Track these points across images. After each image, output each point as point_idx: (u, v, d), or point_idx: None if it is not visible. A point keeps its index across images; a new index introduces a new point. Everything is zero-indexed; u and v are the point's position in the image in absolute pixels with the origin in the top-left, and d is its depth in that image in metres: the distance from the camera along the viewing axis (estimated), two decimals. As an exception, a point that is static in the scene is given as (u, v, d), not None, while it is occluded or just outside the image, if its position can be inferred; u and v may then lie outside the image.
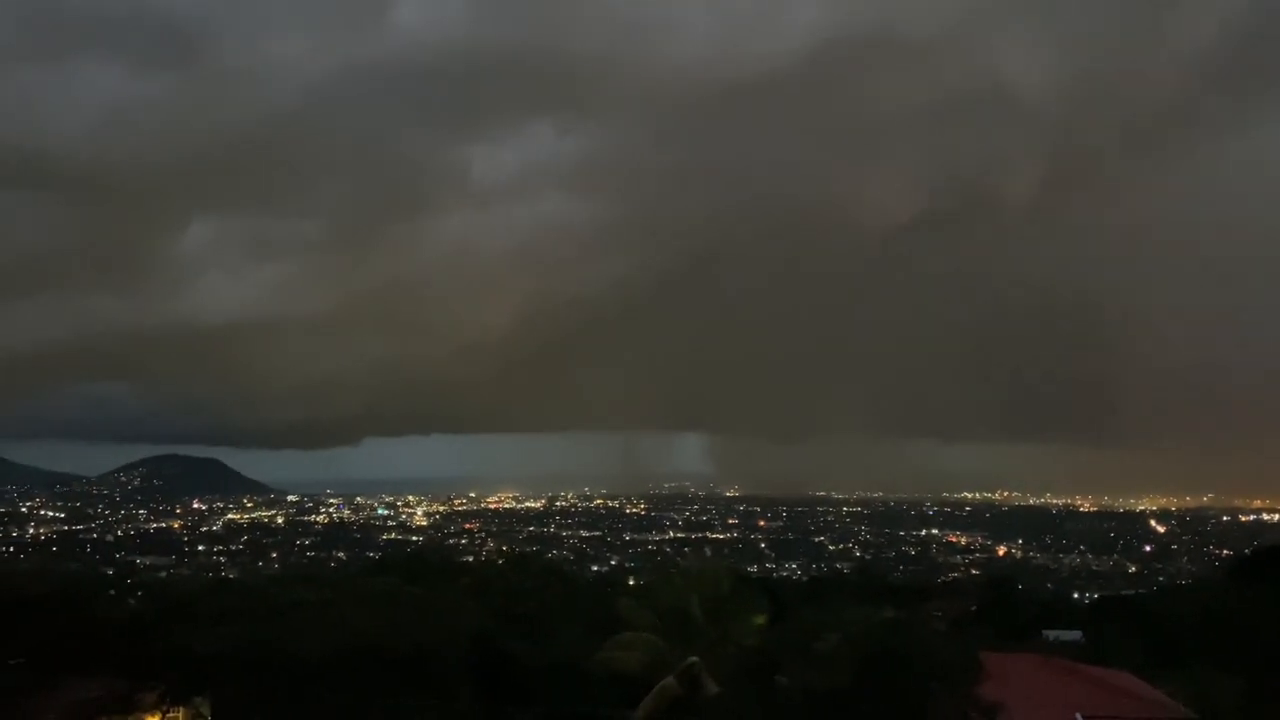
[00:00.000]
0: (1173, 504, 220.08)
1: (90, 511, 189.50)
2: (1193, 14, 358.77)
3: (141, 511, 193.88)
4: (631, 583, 61.30)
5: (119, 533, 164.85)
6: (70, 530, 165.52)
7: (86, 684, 26.89)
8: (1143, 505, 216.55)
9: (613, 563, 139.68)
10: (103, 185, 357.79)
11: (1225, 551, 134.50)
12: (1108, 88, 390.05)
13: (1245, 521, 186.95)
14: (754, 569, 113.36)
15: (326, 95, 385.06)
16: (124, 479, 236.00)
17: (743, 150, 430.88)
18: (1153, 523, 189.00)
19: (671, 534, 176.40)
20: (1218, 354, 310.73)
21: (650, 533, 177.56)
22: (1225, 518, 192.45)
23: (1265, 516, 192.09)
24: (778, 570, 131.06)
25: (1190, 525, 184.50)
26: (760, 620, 26.71)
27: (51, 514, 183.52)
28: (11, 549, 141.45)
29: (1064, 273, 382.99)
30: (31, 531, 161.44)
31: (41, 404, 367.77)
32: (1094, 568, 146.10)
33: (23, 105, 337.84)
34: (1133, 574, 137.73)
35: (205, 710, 29.28)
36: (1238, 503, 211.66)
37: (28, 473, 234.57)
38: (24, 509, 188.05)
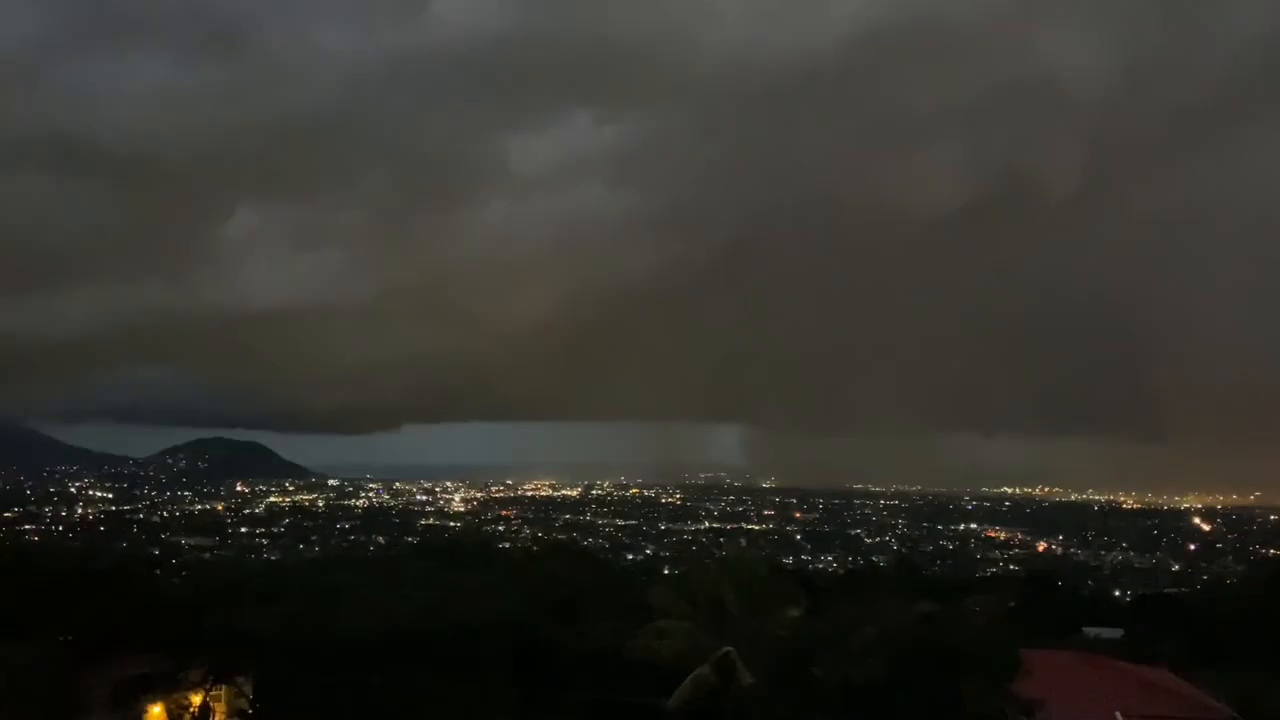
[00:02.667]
0: (1219, 502, 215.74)
1: (137, 493, 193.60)
2: (1242, 2, 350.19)
3: (186, 493, 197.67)
4: (667, 572, 61.31)
5: (165, 514, 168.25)
6: (118, 511, 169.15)
7: (133, 661, 27.51)
8: (1187, 503, 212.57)
9: (648, 552, 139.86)
10: (150, 173, 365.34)
11: (1272, 551, 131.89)
12: (1155, 78, 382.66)
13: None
14: (790, 560, 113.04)
15: (368, 87, 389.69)
16: (170, 461, 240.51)
17: (784, 141, 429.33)
18: (1197, 520, 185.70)
19: (707, 524, 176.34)
20: (1267, 348, 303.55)
21: (686, 523, 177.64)
22: (1273, 516, 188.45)
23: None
24: (814, 562, 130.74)
25: (1236, 524, 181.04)
26: (796, 612, 26.61)
27: (99, 494, 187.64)
28: (60, 528, 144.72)
29: (1109, 264, 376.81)
30: (80, 511, 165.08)
31: (90, 387, 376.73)
32: (1136, 565, 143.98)
33: (74, 94, 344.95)
34: (1176, 572, 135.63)
35: (247, 688, 29.84)
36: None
37: (77, 454, 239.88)
38: (73, 489, 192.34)
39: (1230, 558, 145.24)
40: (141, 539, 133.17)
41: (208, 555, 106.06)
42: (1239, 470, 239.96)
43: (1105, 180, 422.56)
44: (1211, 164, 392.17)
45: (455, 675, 26.74)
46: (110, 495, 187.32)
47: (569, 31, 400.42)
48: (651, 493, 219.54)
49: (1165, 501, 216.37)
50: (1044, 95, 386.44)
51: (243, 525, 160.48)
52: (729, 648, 24.32)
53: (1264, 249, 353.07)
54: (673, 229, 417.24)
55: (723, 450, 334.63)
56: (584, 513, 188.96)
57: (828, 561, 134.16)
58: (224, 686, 30.08)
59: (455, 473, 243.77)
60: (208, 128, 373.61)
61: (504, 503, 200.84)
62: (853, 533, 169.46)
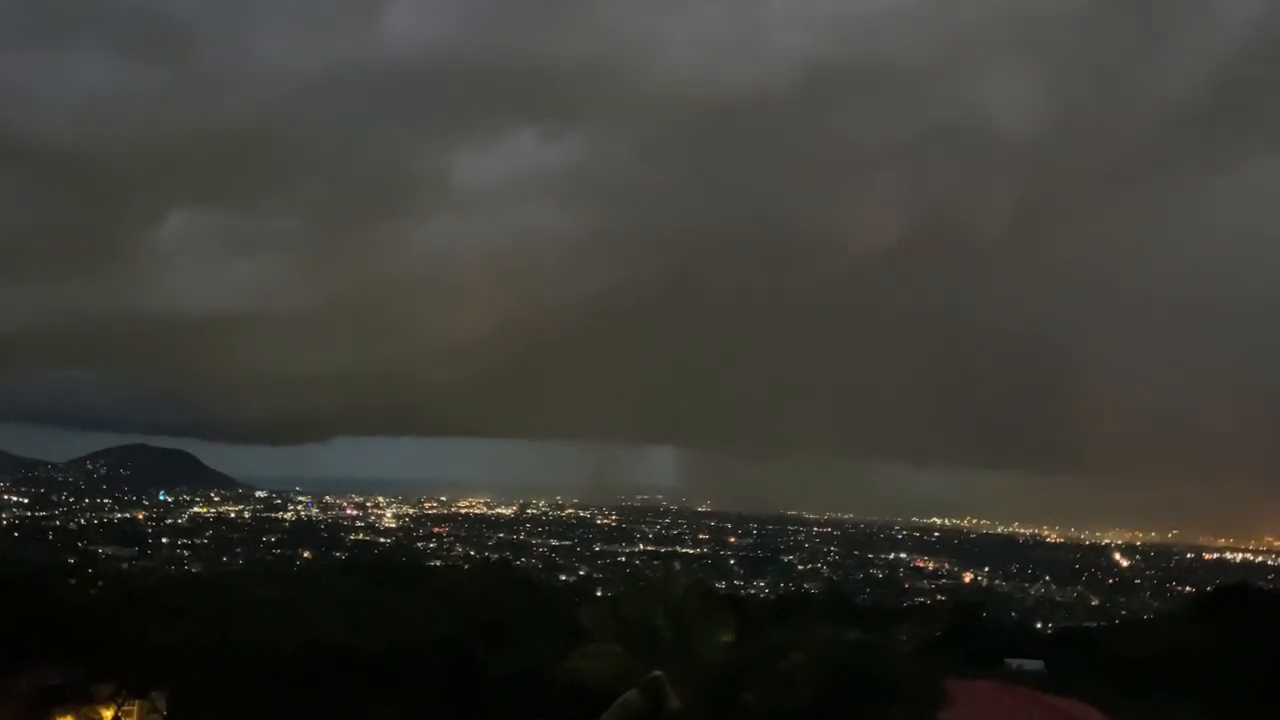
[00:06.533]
0: (1138, 538, 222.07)
1: (55, 499, 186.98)
2: (1175, 56, 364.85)
3: (107, 501, 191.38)
4: (599, 594, 61.07)
5: (83, 521, 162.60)
6: (33, 517, 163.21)
7: (43, 672, 26.54)
8: (1108, 538, 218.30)
9: (581, 573, 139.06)
10: (82, 172, 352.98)
11: (1187, 588, 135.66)
12: (1087, 126, 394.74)
13: (1208, 559, 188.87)
14: (722, 585, 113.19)
15: (312, 95, 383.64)
16: (90, 467, 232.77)
17: (724, 169, 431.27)
18: (1117, 556, 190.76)
19: (641, 547, 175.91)
20: (1186, 393, 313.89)
21: (620, 544, 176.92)
22: (1189, 555, 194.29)
23: (1228, 555, 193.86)
24: (746, 587, 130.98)
25: (1154, 560, 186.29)
26: (726, 637, 26.61)
27: (15, 499, 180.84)
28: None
29: (1037, 306, 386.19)
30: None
31: (9, 388, 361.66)
32: (1057, 599, 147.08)
33: (8, 89, 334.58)
34: (1095, 606, 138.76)
35: (161, 704, 28.92)
36: (1201, 540, 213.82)
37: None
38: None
39: (1148, 594, 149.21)
40: (58, 547, 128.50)
41: (126, 565, 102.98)
42: (1157, 509, 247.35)
43: (1033, 222, 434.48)
44: (1140, 213, 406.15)
45: (380, 694, 26.29)
46: (26, 500, 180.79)
47: (518, 50, 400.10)
48: (587, 513, 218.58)
49: (1087, 536, 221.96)
50: (979, 139, 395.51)
51: (164, 536, 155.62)
52: (658, 672, 24.24)
53: (1188, 297, 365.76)
54: (613, 251, 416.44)
55: (659, 472, 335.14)
56: (518, 532, 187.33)
57: (760, 587, 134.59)
58: (137, 701, 29.12)
59: (388, 488, 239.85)
60: (145, 129, 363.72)
61: (437, 520, 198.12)
62: (786, 559, 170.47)
